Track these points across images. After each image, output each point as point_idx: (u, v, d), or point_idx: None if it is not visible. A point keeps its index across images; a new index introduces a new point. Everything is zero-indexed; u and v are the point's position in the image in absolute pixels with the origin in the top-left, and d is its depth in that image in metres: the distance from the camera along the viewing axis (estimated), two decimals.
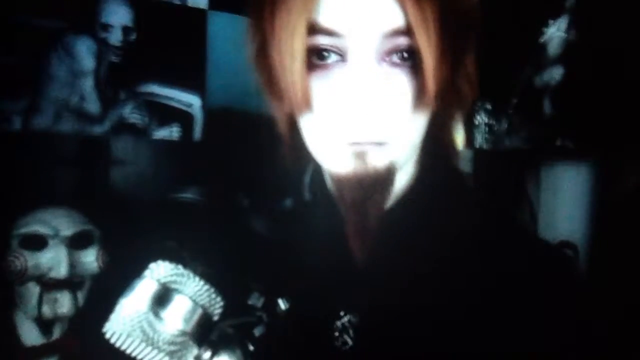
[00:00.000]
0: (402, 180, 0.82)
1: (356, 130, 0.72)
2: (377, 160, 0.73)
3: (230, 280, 0.74)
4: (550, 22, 1.74)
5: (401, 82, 0.72)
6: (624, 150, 1.53)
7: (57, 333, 1.64)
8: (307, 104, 0.73)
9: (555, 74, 1.72)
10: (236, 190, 0.86)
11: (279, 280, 0.80)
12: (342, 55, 0.73)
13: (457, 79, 0.77)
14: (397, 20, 0.69)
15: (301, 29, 0.70)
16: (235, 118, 2.04)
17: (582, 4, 1.66)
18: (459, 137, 0.84)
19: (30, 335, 1.62)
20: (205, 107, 2.08)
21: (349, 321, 0.78)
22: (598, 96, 1.59)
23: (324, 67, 0.74)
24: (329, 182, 0.84)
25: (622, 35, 1.53)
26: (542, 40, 1.77)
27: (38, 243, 1.58)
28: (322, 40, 0.72)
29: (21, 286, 1.58)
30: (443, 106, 0.77)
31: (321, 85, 0.74)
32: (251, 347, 0.74)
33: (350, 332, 0.78)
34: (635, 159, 1.50)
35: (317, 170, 0.87)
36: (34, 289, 1.57)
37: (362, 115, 0.71)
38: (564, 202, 1.69)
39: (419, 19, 0.68)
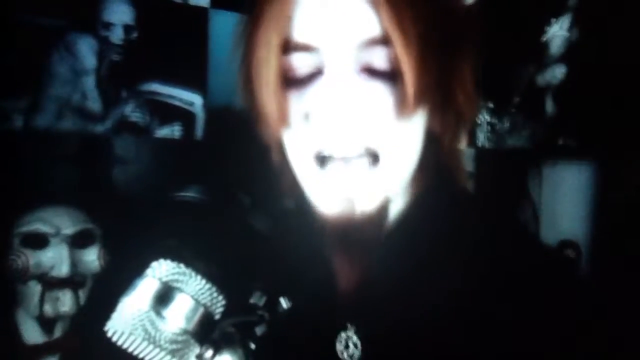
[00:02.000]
0: (398, 203, 0.79)
1: (333, 142, 0.70)
2: (366, 197, 0.72)
3: (232, 279, 0.74)
4: (553, 20, 1.73)
5: (381, 92, 0.70)
6: (626, 149, 1.52)
7: (58, 332, 1.64)
8: (282, 120, 0.72)
9: (558, 73, 1.72)
10: (238, 189, 0.85)
11: (280, 279, 0.80)
12: (319, 69, 0.71)
13: (452, 93, 0.75)
14: (373, 29, 0.68)
15: (275, 43, 0.69)
16: (237, 117, 2.02)
17: (585, 3, 1.66)
18: (465, 161, 0.81)
19: (32, 333, 1.62)
20: (206, 106, 2.07)
21: (355, 333, 0.77)
22: (600, 95, 1.59)
23: (301, 81, 0.72)
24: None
25: (624, 34, 1.52)
26: (544, 39, 1.77)
27: (39, 242, 1.58)
28: (298, 61, 0.71)
29: (23, 285, 1.58)
30: (440, 126, 0.76)
31: (299, 100, 0.72)
32: (253, 346, 0.74)
33: (357, 344, 0.77)
34: (637, 158, 1.50)
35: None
36: (35, 288, 1.57)
37: (344, 126, 0.69)
38: (566, 201, 1.69)
39: (395, 27, 0.66)
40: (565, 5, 1.70)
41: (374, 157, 0.71)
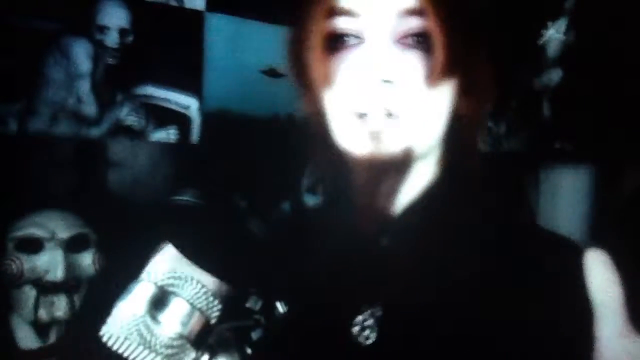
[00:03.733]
0: (424, 178, 0.83)
1: (369, 102, 0.75)
2: (392, 141, 0.75)
3: (228, 284, 0.74)
4: (549, 24, 1.74)
5: (414, 61, 0.75)
6: (623, 152, 1.52)
7: (53, 336, 1.63)
8: (326, 80, 0.78)
9: (554, 76, 1.72)
10: (233, 193, 0.85)
11: (276, 284, 0.80)
12: (359, 37, 0.77)
13: (475, 74, 0.80)
14: (411, 0, 0.73)
15: (321, 15, 0.76)
16: (233, 120, 2.03)
17: (581, 6, 1.66)
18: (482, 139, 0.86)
19: (26, 338, 1.61)
20: (202, 109, 2.07)
21: (372, 315, 0.79)
22: (597, 98, 1.59)
23: (344, 48, 0.78)
24: (344, 179, 0.85)
25: (620, 37, 1.52)
26: (541, 42, 1.77)
27: (34, 246, 1.57)
28: (340, 24, 0.77)
29: (17, 290, 1.57)
30: (465, 106, 0.81)
31: (340, 65, 0.78)
32: (249, 351, 0.74)
33: (374, 326, 0.78)
34: (633, 162, 1.50)
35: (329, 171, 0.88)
36: (30, 292, 1.57)
37: (375, 88, 0.74)
38: (563, 205, 1.69)
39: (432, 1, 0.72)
40: (561, 8, 1.71)
41: (400, 117, 0.76)
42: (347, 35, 0.78)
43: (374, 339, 0.78)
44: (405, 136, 0.76)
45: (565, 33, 1.70)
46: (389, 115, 0.75)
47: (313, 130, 0.86)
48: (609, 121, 1.56)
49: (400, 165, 0.77)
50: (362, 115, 0.76)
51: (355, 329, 0.78)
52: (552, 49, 1.74)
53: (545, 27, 1.75)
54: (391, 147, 0.76)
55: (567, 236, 0.82)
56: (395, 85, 0.74)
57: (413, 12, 0.74)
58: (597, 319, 0.65)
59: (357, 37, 0.77)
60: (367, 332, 0.78)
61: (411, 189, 0.81)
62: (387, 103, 0.75)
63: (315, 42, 0.77)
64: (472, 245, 0.79)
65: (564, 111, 1.71)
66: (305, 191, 0.92)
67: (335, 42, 0.78)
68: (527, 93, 1.82)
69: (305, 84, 0.82)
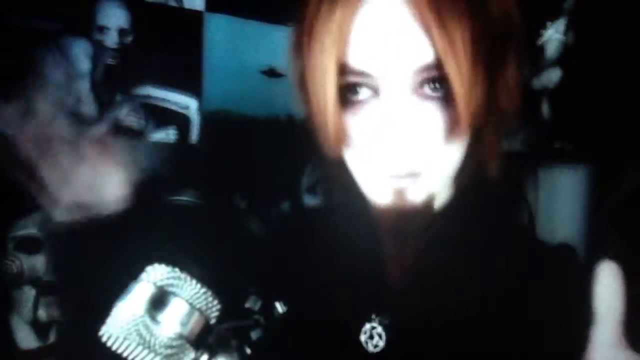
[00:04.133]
0: (440, 199, 0.82)
1: (392, 163, 0.73)
2: (414, 195, 0.74)
3: (227, 284, 0.74)
4: (548, 24, 1.73)
5: (434, 112, 0.72)
6: (622, 152, 1.52)
7: (53, 337, 1.63)
8: (341, 141, 0.75)
9: (553, 76, 1.72)
10: (233, 193, 0.85)
11: (276, 283, 0.80)
12: (374, 91, 0.73)
13: (497, 94, 0.77)
14: (427, 55, 0.69)
15: (332, 69, 0.71)
16: (232, 120, 2.03)
17: (580, 6, 1.66)
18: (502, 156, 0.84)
19: (26, 338, 1.61)
20: (201, 110, 2.07)
21: (380, 323, 0.79)
22: (596, 98, 1.59)
23: (357, 102, 0.74)
24: (354, 186, 0.84)
25: (620, 38, 1.52)
26: (540, 42, 1.77)
27: (34, 246, 1.57)
28: (353, 79, 0.73)
29: (17, 289, 1.57)
30: (483, 122, 0.77)
31: (356, 121, 0.74)
32: (248, 351, 0.74)
33: (382, 334, 0.78)
34: (633, 161, 1.50)
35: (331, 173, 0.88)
36: (29, 292, 1.57)
37: (397, 147, 0.71)
38: (562, 205, 1.69)
39: (447, 51, 0.68)
40: (560, 8, 1.70)
41: (421, 174, 0.74)
42: (360, 86, 0.74)
43: (381, 346, 0.78)
44: (428, 188, 0.75)
45: (565, 33, 1.70)
46: (412, 174, 0.73)
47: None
48: (609, 121, 1.56)
49: (423, 214, 0.76)
50: (385, 176, 0.74)
51: (363, 337, 0.79)
52: (552, 49, 1.74)
53: (545, 27, 1.75)
54: (414, 199, 0.75)
55: (564, 244, 0.83)
56: (417, 140, 0.72)
57: (431, 67, 0.70)
58: (594, 325, 0.65)
59: (371, 89, 0.74)
60: (375, 339, 0.78)
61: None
62: (409, 162, 0.73)
63: (327, 98, 0.72)
64: (479, 256, 0.79)
65: (564, 111, 1.71)
66: (305, 191, 0.92)
67: (347, 94, 0.75)
68: (526, 93, 1.82)
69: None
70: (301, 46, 0.77)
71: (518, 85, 0.80)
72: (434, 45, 0.68)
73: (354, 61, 0.71)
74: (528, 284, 0.77)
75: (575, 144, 1.68)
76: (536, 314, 0.74)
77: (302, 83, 0.79)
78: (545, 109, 1.76)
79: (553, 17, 1.73)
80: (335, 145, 0.76)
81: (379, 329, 0.79)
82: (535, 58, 1.79)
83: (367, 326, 0.79)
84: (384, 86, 0.71)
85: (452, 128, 0.72)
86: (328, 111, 0.73)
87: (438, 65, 0.69)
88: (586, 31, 1.65)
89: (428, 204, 0.76)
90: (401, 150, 0.71)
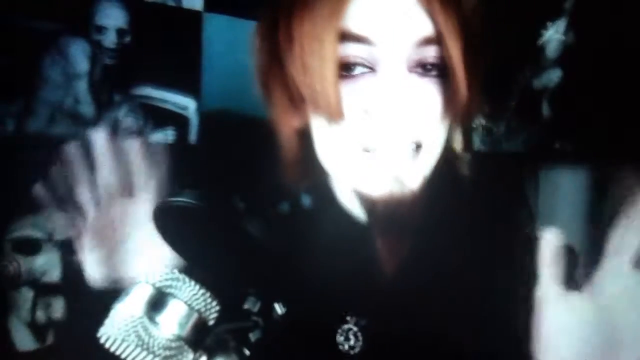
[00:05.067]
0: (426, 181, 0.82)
1: (384, 135, 0.73)
2: (412, 178, 0.73)
3: (226, 285, 0.74)
4: (549, 24, 1.73)
5: (431, 91, 0.73)
6: (623, 152, 1.52)
7: (50, 338, 1.62)
8: (340, 112, 0.73)
9: (554, 76, 1.72)
10: (231, 194, 0.85)
11: (275, 285, 0.80)
12: (371, 67, 0.73)
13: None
14: (427, 28, 0.70)
15: (331, 37, 0.70)
16: (231, 121, 2.03)
17: (581, 6, 1.66)
18: (460, 142, 0.85)
19: (24, 340, 1.61)
20: (200, 110, 2.07)
21: (356, 324, 0.78)
22: (596, 99, 1.59)
23: (352, 77, 0.74)
24: (335, 190, 0.84)
25: (621, 38, 1.52)
26: (540, 42, 1.76)
27: (32, 247, 1.57)
28: (351, 50, 0.72)
29: (15, 291, 1.57)
30: (450, 110, 0.78)
31: (350, 96, 0.74)
32: (247, 352, 0.74)
33: (358, 335, 0.78)
34: (633, 162, 1.49)
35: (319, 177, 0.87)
36: (27, 294, 1.56)
37: (393, 122, 0.72)
38: (563, 205, 1.69)
39: (449, 28, 0.69)
40: (561, 8, 1.70)
41: (418, 147, 0.75)
42: (356, 64, 0.74)
43: (359, 348, 0.78)
44: (423, 168, 0.75)
45: (565, 33, 1.70)
46: (416, 148, 0.74)
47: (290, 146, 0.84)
48: (609, 121, 1.56)
49: (418, 201, 0.77)
50: (374, 149, 0.74)
51: (340, 338, 0.79)
52: (552, 50, 1.74)
53: (545, 28, 1.75)
54: (412, 187, 0.75)
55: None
56: (412, 116, 0.72)
57: (429, 41, 0.71)
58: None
59: (367, 66, 0.74)
60: (352, 341, 0.78)
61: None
62: (404, 136, 0.74)
63: (326, 69, 0.71)
64: (460, 251, 0.79)
65: (564, 112, 1.71)
66: (304, 192, 0.92)
67: (342, 71, 0.74)
68: (526, 93, 1.82)
69: (289, 114, 0.79)
70: (274, 30, 0.77)
71: (479, 83, 0.80)
72: (435, 20, 0.70)
73: (354, 26, 0.71)
74: (513, 279, 0.76)
75: (576, 144, 1.67)
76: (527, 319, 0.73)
77: (275, 64, 0.79)
78: (545, 109, 1.76)
79: (553, 18, 1.73)
80: (334, 118, 0.75)
81: (356, 330, 0.79)
82: (535, 58, 1.79)
83: (344, 327, 0.79)
84: (383, 60, 0.71)
85: (449, 108, 0.73)
86: (327, 80, 0.72)
87: (437, 41, 0.70)
88: (586, 31, 1.65)
89: (422, 187, 0.76)
90: (397, 125, 0.72)
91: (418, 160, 0.75)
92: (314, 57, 0.71)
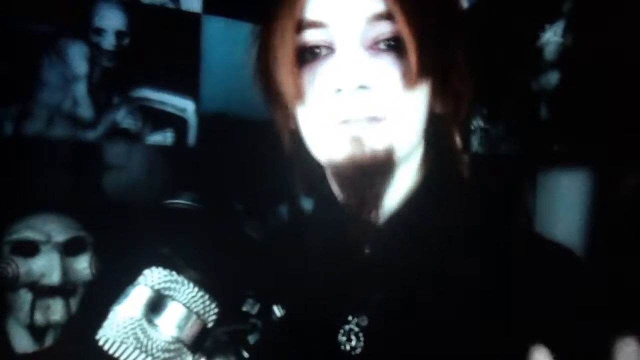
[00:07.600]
0: (406, 183, 0.84)
1: (348, 109, 0.76)
2: (374, 142, 0.76)
3: (225, 287, 0.74)
4: (547, 26, 1.73)
5: (387, 66, 0.76)
6: (621, 154, 1.52)
7: (49, 340, 1.62)
8: (299, 95, 0.78)
9: (552, 78, 1.72)
10: (230, 196, 0.85)
11: (273, 287, 0.80)
12: (330, 48, 0.77)
13: (449, 76, 0.82)
14: (378, 5, 0.74)
15: (290, 29, 0.76)
16: (230, 123, 2.03)
17: (579, 9, 1.66)
18: (462, 142, 0.87)
19: (22, 342, 1.61)
20: (199, 112, 2.07)
21: (357, 324, 0.79)
22: (595, 101, 1.59)
23: (315, 60, 0.78)
24: (329, 183, 0.86)
25: (619, 40, 1.52)
26: (538, 44, 1.77)
27: (30, 249, 1.56)
28: (310, 37, 0.77)
29: (13, 293, 1.57)
30: (441, 106, 0.83)
31: (313, 77, 0.78)
32: (245, 355, 0.74)
33: (360, 335, 0.78)
34: (632, 164, 1.49)
35: (315, 175, 0.88)
36: (26, 296, 1.56)
37: (352, 95, 0.75)
38: (561, 207, 1.69)
39: (397, 4, 0.73)
40: (559, 11, 1.70)
41: (378, 119, 0.77)
42: (317, 47, 0.78)
43: (361, 349, 0.78)
44: (386, 138, 0.77)
45: (563, 36, 1.70)
46: (370, 119, 0.76)
47: (288, 145, 0.88)
48: (607, 123, 1.56)
49: (383, 167, 0.78)
50: (343, 122, 0.76)
51: (342, 338, 0.79)
52: (550, 52, 1.74)
53: (543, 30, 1.75)
54: (373, 149, 0.76)
55: (564, 246, 0.83)
56: (372, 90, 0.75)
57: (382, 17, 0.75)
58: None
59: (327, 47, 0.78)
60: (353, 341, 0.78)
61: (395, 194, 0.82)
62: (366, 108, 0.76)
63: (285, 57, 0.77)
64: (458, 252, 0.79)
65: (562, 114, 1.71)
66: (303, 194, 0.92)
67: (306, 55, 0.79)
68: (525, 95, 1.82)
69: (276, 100, 0.83)
70: (262, 26, 0.83)
71: (468, 71, 0.84)
72: None
73: (310, 14, 0.76)
74: (520, 284, 0.76)
75: (574, 146, 1.67)
76: (526, 316, 0.74)
77: (261, 59, 0.84)
78: (543, 111, 1.76)
79: (551, 20, 1.73)
80: (293, 102, 0.79)
81: (358, 330, 0.79)
82: (533, 61, 1.79)
83: (346, 327, 0.79)
84: (337, 38, 0.76)
85: (405, 78, 0.75)
86: (287, 68, 0.77)
87: (389, 16, 0.74)
88: (585, 34, 1.65)
89: (388, 154, 0.77)
90: (356, 97, 0.75)
91: (380, 130, 0.77)
92: (279, 49, 0.77)
